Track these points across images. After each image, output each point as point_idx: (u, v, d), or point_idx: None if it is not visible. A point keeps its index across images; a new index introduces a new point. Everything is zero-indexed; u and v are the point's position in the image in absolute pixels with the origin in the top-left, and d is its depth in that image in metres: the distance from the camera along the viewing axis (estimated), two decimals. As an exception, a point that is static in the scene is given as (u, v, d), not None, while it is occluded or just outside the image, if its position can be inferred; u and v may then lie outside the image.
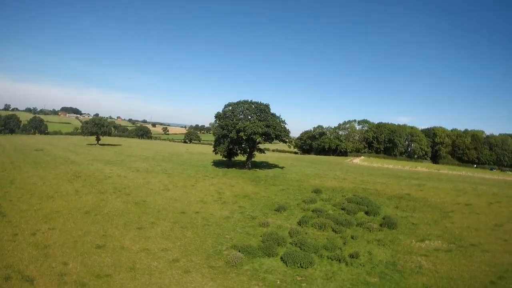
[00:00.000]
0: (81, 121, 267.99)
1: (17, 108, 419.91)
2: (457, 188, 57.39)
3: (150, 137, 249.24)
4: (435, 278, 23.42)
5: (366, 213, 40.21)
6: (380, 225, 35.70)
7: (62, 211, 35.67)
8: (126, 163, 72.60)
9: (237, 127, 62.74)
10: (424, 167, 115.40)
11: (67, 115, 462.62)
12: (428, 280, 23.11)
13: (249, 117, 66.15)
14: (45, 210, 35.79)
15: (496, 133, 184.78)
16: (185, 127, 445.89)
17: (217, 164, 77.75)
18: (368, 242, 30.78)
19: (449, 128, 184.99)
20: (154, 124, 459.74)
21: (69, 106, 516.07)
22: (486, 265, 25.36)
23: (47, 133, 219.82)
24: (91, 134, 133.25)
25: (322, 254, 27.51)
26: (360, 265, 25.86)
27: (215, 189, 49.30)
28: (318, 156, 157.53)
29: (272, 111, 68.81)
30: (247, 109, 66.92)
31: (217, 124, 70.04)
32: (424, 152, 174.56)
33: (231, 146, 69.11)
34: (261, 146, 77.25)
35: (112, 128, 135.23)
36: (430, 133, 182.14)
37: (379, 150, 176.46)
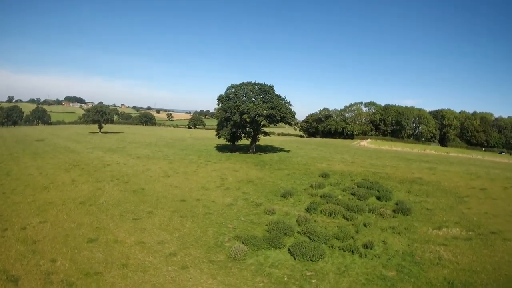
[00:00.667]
0: (84, 110, 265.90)
1: (20, 100, 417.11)
2: (469, 171, 55.30)
3: (154, 124, 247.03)
4: (457, 270, 21.40)
5: (378, 198, 38.17)
6: (394, 211, 33.73)
7: (56, 202, 33.77)
8: (127, 150, 70.55)
9: (241, 110, 60.05)
10: (433, 150, 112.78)
11: (71, 104, 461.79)
12: (450, 273, 21.04)
13: (253, 99, 63.30)
14: (39, 202, 33.89)
15: (505, 115, 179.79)
16: (189, 112, 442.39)
17: (220, 148, 75.46)
18: (382, 230, 28.75)
19: (457, 111, 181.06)
20: (158, 111, 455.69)
21: (72, 95, 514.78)
22: (510, 255, 23.32)
23: (51, 123, 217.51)
24: (94, 122, 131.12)
25: (333, 244, 25.29)
26: (375, 256, 23.78)
27: (218, 174, 47.00)
28: (325, 139, 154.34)
29: (276, 93, 65.76)
30: (250, 90, 63.99)
31: (219, 107, 67.29)
32: (432, 135, 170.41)
33: (234, 130, 66.23)
34: (266, 129, 74.69)
35: (114, 115, 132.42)
36: (438, 115, 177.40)
37: (386, 132, 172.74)
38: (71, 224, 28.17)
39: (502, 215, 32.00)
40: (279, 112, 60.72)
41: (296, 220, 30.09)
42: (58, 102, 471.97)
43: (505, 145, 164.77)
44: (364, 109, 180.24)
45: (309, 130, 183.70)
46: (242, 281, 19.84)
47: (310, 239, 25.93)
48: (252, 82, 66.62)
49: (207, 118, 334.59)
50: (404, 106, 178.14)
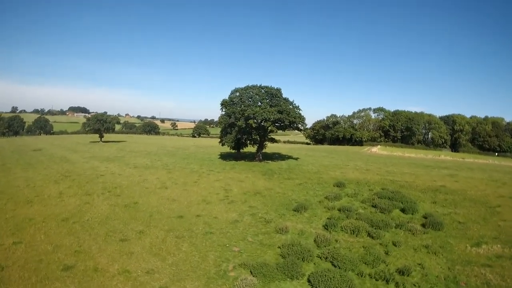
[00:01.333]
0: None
1: (24, 110, 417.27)
2: (493, 178, 51.65)
3: (158, 133, 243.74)
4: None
5: (402, 210, 33.67)
6: (423, 225, 29.42)
7: (36, 219, 29.47)
8: (125, 159, 66.24)
9: (246, 114, 55.50)
10: (448, 156, 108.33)
11: (75, 114, 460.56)
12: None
13: (259, 103, 58.71)
14: (18, 218, 29.65)
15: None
16: (194, 122, 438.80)
17: (224, 157, 70.85)
18: (415, 250, 24.40)
19: (467, 116, 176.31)
20: (163, 120, 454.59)
21: (76, 105, 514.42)
22: None
23: (53, 133, 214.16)
24: (95, 131, 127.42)
25: (362, 271, 20.63)
26: (414, 285, 19.40)
27: (221, 185, 42.29)
28: (333, 146, 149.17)
29: (284, 96, 61.13)
30: (256, 94, 59.38)
31: (223, 113, 62.74)
32: (443, 140, 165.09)
33: (239, 136, 61.50)
34: (273, 135, 70.02)
35: (115, 124, 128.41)
36: (449, 120, 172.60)
37: (396, 138, 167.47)
38: (48, 246, 23.78)
39: (543, 228, 27.68)
40: (288, 117, 56.00)
41: (314, 240, 25.30)
42: (62, 112, 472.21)
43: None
44: (373, 115, 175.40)
45: (316, 137, 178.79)
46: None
47: (334, 265, 21.19)
48: (258, 85, 62.21)
49: (212, 127, 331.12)
50: (413, 111, 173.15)
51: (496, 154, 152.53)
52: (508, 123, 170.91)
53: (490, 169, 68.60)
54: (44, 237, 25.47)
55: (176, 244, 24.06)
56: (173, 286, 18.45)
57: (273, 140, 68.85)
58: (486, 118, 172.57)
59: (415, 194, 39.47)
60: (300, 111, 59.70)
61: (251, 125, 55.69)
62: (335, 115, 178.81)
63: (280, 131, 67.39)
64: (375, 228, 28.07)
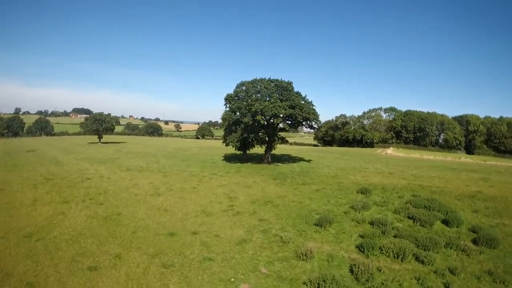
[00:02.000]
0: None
1: (28, 112, 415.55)
2: None
3: (160, 134, 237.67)
4: None
5: (445, 222, 27.38)
6: (474, 242, 23.70)
7: (-6, 235, 23.11)
8: (119, 161, 59.98)
9: (253, 109, 48.86)
10: (468, 158, 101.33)
11: (78, 116, 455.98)
12: None
13: (268, 98, 52.05)
14: (-29, 233, 23.35)
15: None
16: (198, 123, 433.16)
17: (228, 158, 64.32)
18: (479, 279, 18.77)
19: (481, 116, 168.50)
20: (166, 122, 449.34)
21: (80, 107, 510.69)
22: None
23: (54, 134, 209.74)
24: (93, 131, 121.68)
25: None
26: None
27: (225, 192, 35.63)
28: (343, 148, 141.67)
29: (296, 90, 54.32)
30: (265, 87, 52.55)
31: (227, 109, 56.19)
32: (458, 142, 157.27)
33: (245, 135, 54.47)
34: (283, 134, 63.16)
35: (115, 124, 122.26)
36: (462, 121, 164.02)
37: (408, 140, 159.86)
38: (-6, 274, 17.53)
39: None
40: (302, 113, 49.15)
41: (351, 270, 18.71)
42: (65, 114, 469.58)
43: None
44: (384, 115, 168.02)
45: (325, 138, 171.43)
46: None
47: (387, 314, 14.66)
48: (267, 78, 55.58)
49: (216, 128, 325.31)
50: (425, 112, 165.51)
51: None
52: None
53: (520, 172, 61.49)
54: (-6, 260, 19.27)
55: (162, 277, 17.44)
56: None
57: (283, 140, 62.01)
58: (501, 119, 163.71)
59: (451, 202, 33.08)
60: (314, 107, 53.00)
61: (259, 122, 49.17)
62: (345, 115, 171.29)
63: (283, 132, 60.70)
64: (423, 249, 21.82)
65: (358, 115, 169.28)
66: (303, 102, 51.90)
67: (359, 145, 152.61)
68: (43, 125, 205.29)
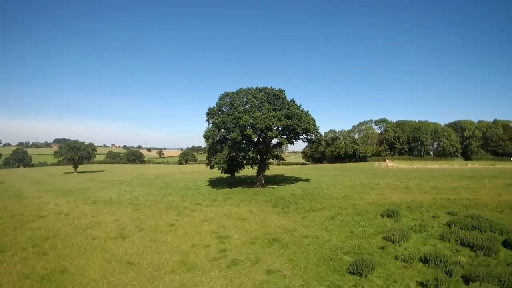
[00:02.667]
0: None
1: (9, 144, 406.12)
2: None
3: (143, 162, 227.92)
4: None
5: (506, 245, 20.67)
6: None
7: None
8: (88, 192, 51.13)
9: (241, 122, 40.86)
10: (475, 164, 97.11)
11: (59, 146, 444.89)
12: None
13: (258, 109, 44.08)
14: None
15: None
16: (181, 149, 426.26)
17: (214, 183, 55.69)
18: None
19: (474, 121, 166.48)
20: (149, 149, 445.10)
21: (62, 137, 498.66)
22: None
23: (32, 165, 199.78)
24: (68, 161, 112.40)
25: None
26: None
27: (213, 228, 26.85)
28: (336, 163, 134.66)
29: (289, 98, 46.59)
30: (253, 97, 44.68)
31: (210, 125, 47.68)
32: (454, 149, 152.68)
33: (233, 154, 45.43)
34: (277, 152, 55.01)
35: (90, 151, 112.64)
36: (457, 127, 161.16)
37: (402, 151, 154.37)
38: None
39: None
40: (300, 123, 41.20)
41: None
42: (47, 145, 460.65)
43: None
44: (375, 128, 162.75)
45: (315, 155, 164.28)
46: None
47: None
48: (254, 87, 47.94)
49: (200, 153, 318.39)
50: (417, 121, 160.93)
51: (511, 158, 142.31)
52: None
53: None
54: None
55: None
56: None
57: (278, 158, 53.84)
58: (496, 122, 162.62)
59: (493, 216, 26.67)
60: (313, 117, 45.26)
61: (250, 138, 41.13)
62: (334, 130, 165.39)
63: (276, 149, 52.98)
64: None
65: (348, 129, 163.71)
66: (299, 111, 44.22)
67: (351, 160, 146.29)
68: (21, 156, 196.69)
